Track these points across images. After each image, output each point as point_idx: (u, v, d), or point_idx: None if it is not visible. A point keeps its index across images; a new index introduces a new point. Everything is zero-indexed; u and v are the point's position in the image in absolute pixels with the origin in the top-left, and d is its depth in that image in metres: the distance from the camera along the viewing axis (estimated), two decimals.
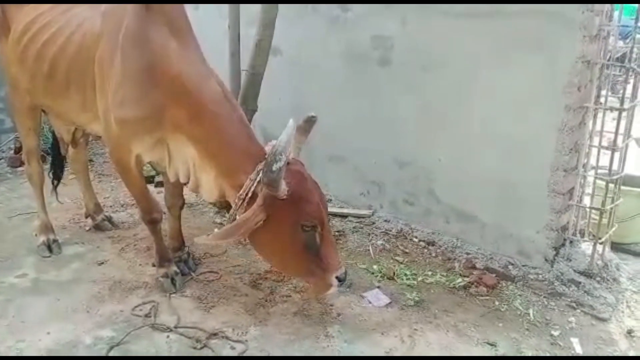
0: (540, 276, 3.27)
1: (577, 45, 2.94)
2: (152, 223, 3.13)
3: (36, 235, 3.66)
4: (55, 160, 3.98)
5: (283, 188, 2.41)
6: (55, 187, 3.98)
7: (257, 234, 2.54)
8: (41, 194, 3.72)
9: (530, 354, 2.69)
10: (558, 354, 2.71)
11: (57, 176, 3.98)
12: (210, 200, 2.97)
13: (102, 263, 3.47)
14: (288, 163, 2.48)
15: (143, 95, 2.70)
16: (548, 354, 2.70)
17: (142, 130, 2.76)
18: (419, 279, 3.34)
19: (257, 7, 3.75)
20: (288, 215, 2.48)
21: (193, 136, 2.68)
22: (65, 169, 4.11)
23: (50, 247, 3.58)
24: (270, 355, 2.64)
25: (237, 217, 2.58)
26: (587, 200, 3.44)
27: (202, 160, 2.69)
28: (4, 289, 3.15)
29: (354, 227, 4.01)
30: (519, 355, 2.69)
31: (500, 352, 2.70)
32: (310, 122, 2.74)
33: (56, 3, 3.13)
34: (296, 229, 2.51)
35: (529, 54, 3.13)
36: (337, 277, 2.62)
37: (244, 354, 2.64)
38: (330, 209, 4.15)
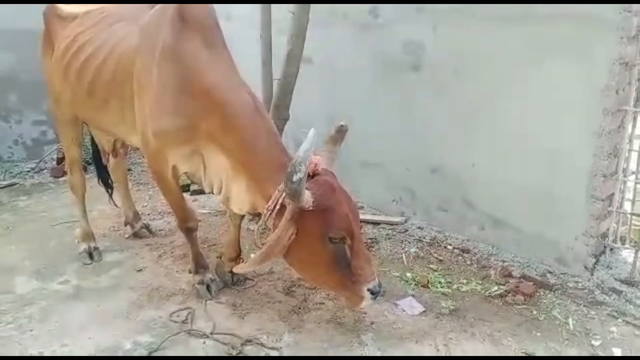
0: (579, 284, 3.19)
1: (614, 47, 2.87)
2: (189, 231, 3.20)
3: (78, 242, 3.79)
4: (100, 170, 4.11)
5: (307, 199, 2.35)
6: (110, 196, 4.13)
7: (287, 247, 2.50)
8: (83, 203, 3.85)
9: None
10: None
11: (107, 184, 4.11)
12: (241, 213, 2.97)
13: (141, 270, 3.56)
14: (317, 173, 2.48)
15: (178, 108, 2.76)
16: None
17: (178, 142, 2.83)
18: (454, 287, 3.30)
19: (288, 16, 3.80)
20: (315, 227, 2.44)
21: (224, 147, 2.72)
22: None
23: (91, 254, 3.70)
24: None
25: (267, 227, 2.59)
26: (627, 206, 3.34)
27: (234, 171, 2.72)
28: (48, 295, 3.27)
29: (386, 235, 3.99)
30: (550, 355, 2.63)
31: None
32: (341, 131, 2.70)
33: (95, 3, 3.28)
34: (324, 241, 2.44)
35: (563, 56, 3.08)
36: (369, 290, 2.51)
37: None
38: (362, 216, 4.15)
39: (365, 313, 3.03)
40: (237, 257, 3.31)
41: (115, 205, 4.14)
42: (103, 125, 3.38)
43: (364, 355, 2.69)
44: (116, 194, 4.17)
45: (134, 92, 2.91)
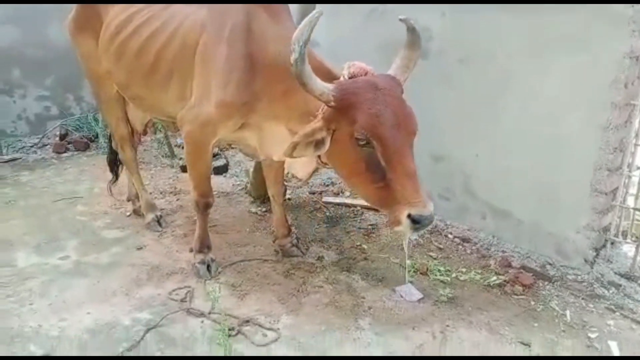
0: (579, 277, 3.20)
1: (624, 41, 2.84)
2: (206, 207, 3.22)
3: (144, 215, 3.90)
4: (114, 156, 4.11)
5: (319, 87, 2.27)
6: (112, 183, 4.22)
7: (329, 151, 2.41)
8: (139, 176, 3.97)
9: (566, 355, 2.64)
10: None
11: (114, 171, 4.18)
12: (303, 177, 3.00)
13: (141, 248, 3.57)
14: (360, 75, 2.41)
15: (245, 81, 2.74)
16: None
17: (238, 113, 2.82)
18: (453, 275, 3.30)
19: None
20: (344, 127, 2.30)
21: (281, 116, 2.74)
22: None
23: (159, 221, 3.86)
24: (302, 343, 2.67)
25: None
26: (630, 201, 3.32)
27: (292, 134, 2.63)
28: (48, 270, 3.28)
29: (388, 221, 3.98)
30: (554, 355, 2.64)
31: (534, 353, 2.66)
32: (411, 30, 2.49)
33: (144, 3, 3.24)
34: (353, 143, 2.28)
35: (572, 48, 3.04)
36: (410, 216, 2.23)
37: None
38: (363, 202, 4.17)
39: (364, 298, 3.05)
40: (289, 233, 3.51)
41: (110, 192, 4.19)
42: (156, 104, 3.31)
43: (359, 338, 2.71)
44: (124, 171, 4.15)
45: (195, 67, 2.89)
